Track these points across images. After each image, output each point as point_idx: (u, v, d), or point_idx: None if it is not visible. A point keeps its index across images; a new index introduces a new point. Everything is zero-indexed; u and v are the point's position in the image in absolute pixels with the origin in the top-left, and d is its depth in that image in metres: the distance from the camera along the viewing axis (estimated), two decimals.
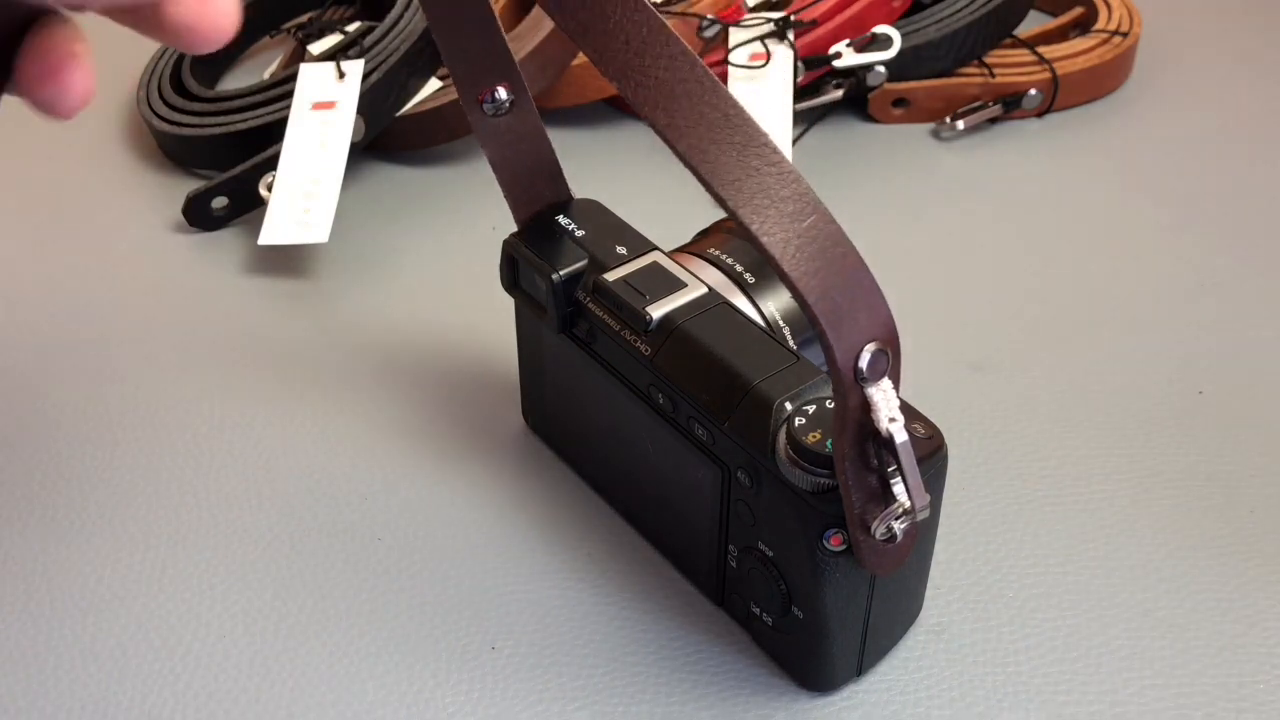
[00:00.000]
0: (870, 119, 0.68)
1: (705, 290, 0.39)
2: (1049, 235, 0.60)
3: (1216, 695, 0.39)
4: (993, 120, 0.67)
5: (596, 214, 0.43)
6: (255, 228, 0.58)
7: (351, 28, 0.67)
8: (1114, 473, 0.47)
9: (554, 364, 0.44)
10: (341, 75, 0.61)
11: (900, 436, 0.31)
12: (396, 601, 0.42)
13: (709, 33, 0.65)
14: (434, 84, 0.64)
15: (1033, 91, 0.66)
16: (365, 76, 0.61)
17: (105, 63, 0.80)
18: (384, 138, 0.64)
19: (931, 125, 0.68)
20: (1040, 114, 0.68)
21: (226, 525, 0.45)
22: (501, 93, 0.40)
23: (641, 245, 0.41)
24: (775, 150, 0.29)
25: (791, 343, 0.41)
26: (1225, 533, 0.44)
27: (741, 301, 0.40)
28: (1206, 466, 0.47)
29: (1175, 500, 0.46)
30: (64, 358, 0.53)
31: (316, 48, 0.68)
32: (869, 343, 0.30)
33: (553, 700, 0.39)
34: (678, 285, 0.39)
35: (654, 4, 0.65)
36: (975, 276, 0.57)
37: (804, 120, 0.67)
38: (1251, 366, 0.52)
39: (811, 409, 0.34)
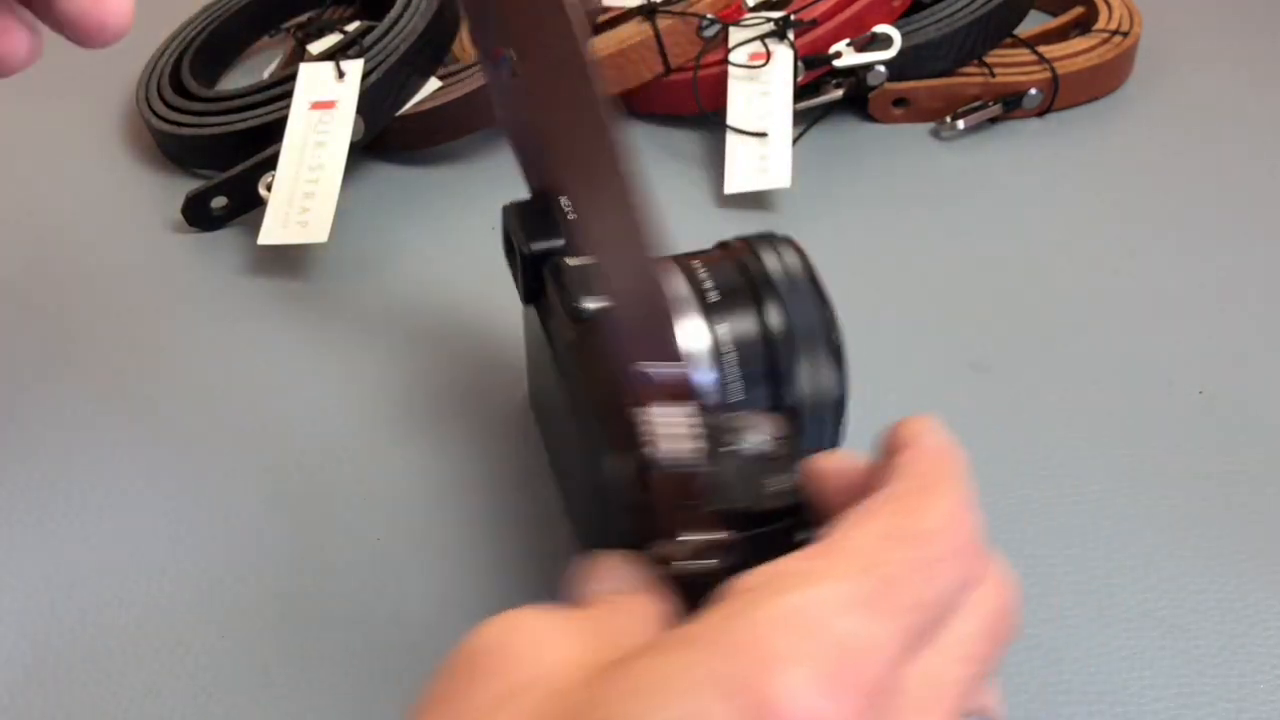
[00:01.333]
0: (870, 119, 0.68)
1: None
2: (1049, 235, 0.60)
3: (1216, 695, 0.39)
4: (993, 120, 0.67)
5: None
6: (255, 228, 0.58)
7: (351, 27, 0.67)
8: (1114, 473, 0.47)
9: (528, 337, 0.45)
10: (341, 75, 0.61)
11: (666, 462, 0.30)
12: (396, 600, 0.42)
13: (709, 32, 0.65)
14: (434, 84, 0.64)
15: (1033, 91, 0.66)
16: (365, 76, 0.61)
17: (105, 62, 0.80)
18: (384, 138, 0.64)
19: (931, 125, 0.68)
20: (1040, 114, 0.68)
21: (226, 525, 0.45)
22: (510, 55, 0.40)
23: None
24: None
25: (737, 369, 0.40)
26: (1225, 533, 0.44)
27: (693, 319, 0.40)
28: (1206, 466, 0.47)
29: (1175, 500, 0.46)
30: (64, 357, 0.53)
31: (316, 47, 0.68)
32: (648, 361, 0.29)
33: None
34: None
35: (654, 4, 0.65)
36: (975, 276, 0.57)
37: (804, 120, 0.67)
38: (1251, 366, 0.52)
39: None
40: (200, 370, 0.52)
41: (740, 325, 0.40)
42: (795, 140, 0.65)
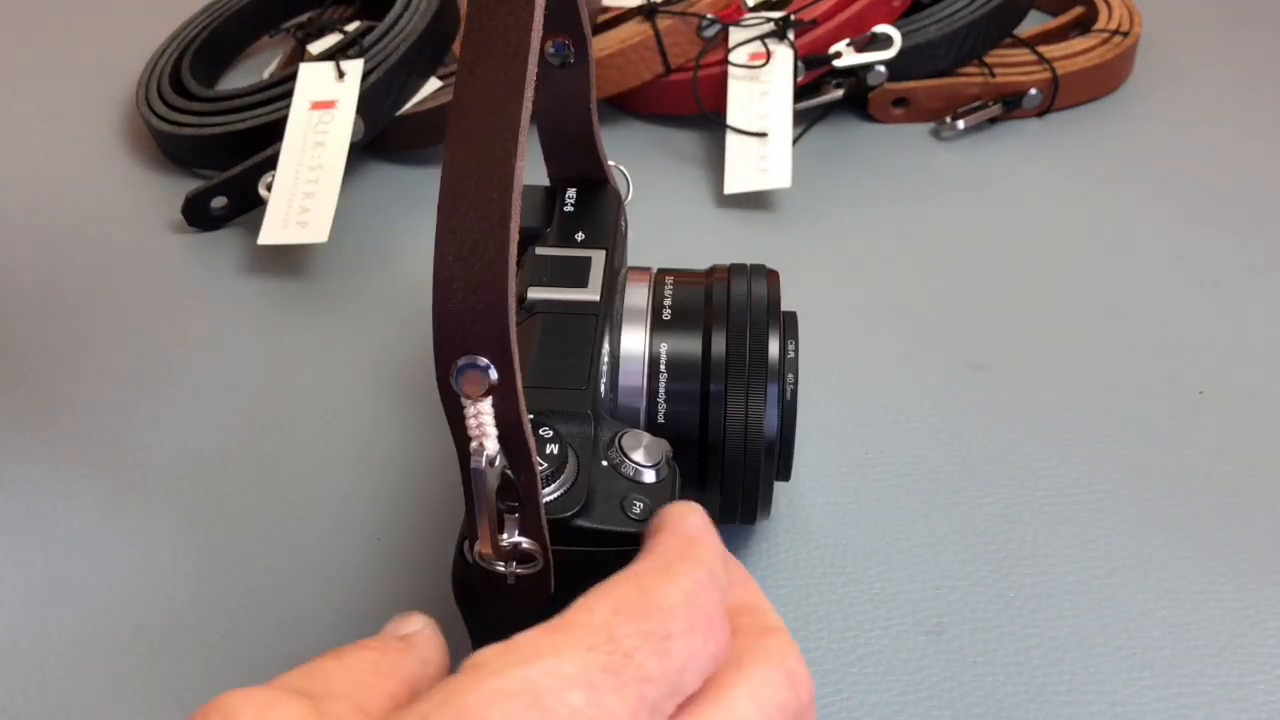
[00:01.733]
0: (870, 119, 0.68)
1: (594, 299, 0.39)
2: (1049, 235, 0.60)
3: (1216, 695, 0.39)
4: (993, 120, 0.67)
5: (600, 203, 0.44)
6: (255, 228, 0.58)
7: (351, 27, 0.67)
8: (1114, 473, 0.47)
9: None
10: (341, 75, 0.61)
11: (474, 464, 0.29)
12: (395, 599, 0.42)
13: (709, 32, 0.65)
14: (434, 84, 0.64)
15: (1033, 91, 0.66)
16: (365, 76, 0.61)
17: (104, 62, 0.80)
18: (384, 137, 0.64)
19: (931, 125, 0.68)
20: (1040, 114, 0.68)
21: (225, 525, 0.45)
22: (567, 44, 0.41)
23: (600, 241, 0.41)
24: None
25: (665, 388, 0.39)
26: (1225, 533, 0.44)
27: (636, 330, 0.40)
28: (1206, 466, 0.47)
29: (1175, 500, 0.46)
30: (63, 357, 0.53)
31: (316, 47, 0.68)
32: (464, 356, 0.28)
33: None
34: (577, 284, 0.39)
35: (654, 4, 0.65)
36: (975, 276, 0.57)
37: (804, 120, 0.67)
38: (1251, 366, 0.52)
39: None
40: (200, 370, 0.52)
41: (681, 345, 0.40)
42: (795, 140, 0.65)
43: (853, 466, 0.47)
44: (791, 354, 0.40)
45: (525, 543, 0.31)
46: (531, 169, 0.44)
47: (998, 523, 0.45)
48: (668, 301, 0.41)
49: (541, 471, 0.32)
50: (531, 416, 0.33)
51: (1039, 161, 0.65)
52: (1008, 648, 0.40)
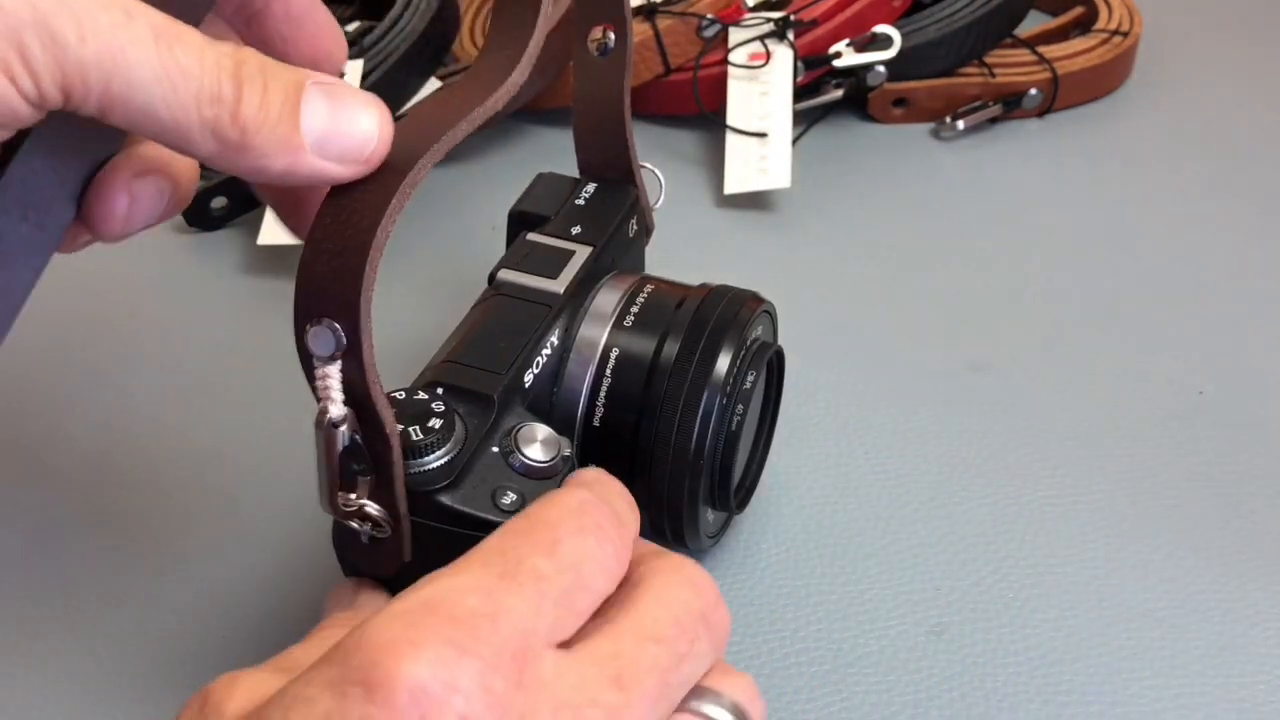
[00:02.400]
0: (870, 119, 0.68)
1: (556, 292, 0.39)
2: (1049, 235, 0.60)
3: (1216, 695, 0.39)
4: (993, 120, 0.67)
5: (613, 202, 0.44)
6: (254, 228, 0.58)
7: (351, 28, 0.67)
8: (1114, 473, 0.47)
9: None
10: (341, 75, 0.61)
11: (319, 423, 0.30)
12: None
13: (709, 32, 0.65)
14: (434, 84, 0.64)
15: (1033, 91, 0.66)
16: (365, 76, 0.61)
17: None
18: None
19: (931, 125, 0.67)
20: (1040, 114, 0.68)
21: (227, 525, 0.45)
22: (611, 35, 0.42)
23: (592, 238, 0.41)
24: None
25: (605, 385, 0.39)
26: (1225, 533, 0.44)
27: (597, 329, 0.39)
28: (1206, 466, 0.47)
29: (1175, 500, 0.46)
30: (62, 357, 0.53)
31: None
32: (317, 318, 0.29)
33: None
34: (548, 274, 0.40)
35: (654, 4, 0.65)
36: (975, 276, 0.57)
37: (804, 120, 0.67)
38: (1251, 366, 0.52)
39: (420, 399, 0.34)
40: (200, 370, 0.52)
41: (632, 352, 0.39)
42: (795, 140, 0.65)
43: (852, 466, 0.47)
44: (749, 385, 0.39)
45: (371, 507, 0.31)
46: (560, 163, 0.45)
47: (998, 523, 0.45)
48: (636, 309, 0.40)
49: (421, 440, 0.33)
50: (440, 389, 0.35)
51: (1039, 161, 0.65)
52: (1008, 648, 0.40)
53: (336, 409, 0.30)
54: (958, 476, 0.47)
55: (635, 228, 0.44)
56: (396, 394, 0.35)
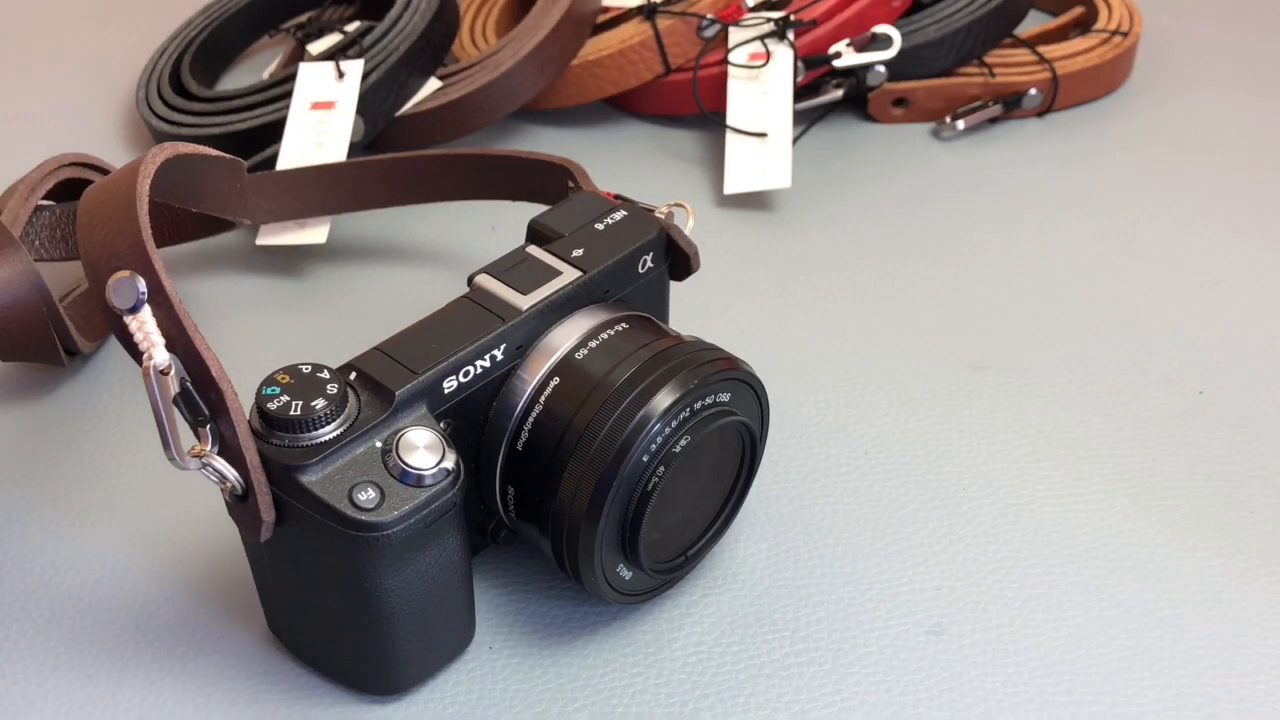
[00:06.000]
0: (870, 119, 0.68)
1: (518, 307, 0.38)
2: (1049, 235, 0.60)
3: (1216, 695, 0.39)
4: (993, 120, 0.67)
5: (628, 235, 0.42)
6: (254, 228, 0.58)
7: (351, 27, 0.67)
8: (1114, 473, 0.47)
9: None
10: (341, 75, 0.61)
11: (145, 371, 0.31)
12: None
13: (709, 32, 0.65)
14: (434, 84, 0.64)
15: (1033, 91, 0.66)
16: (365, 76, 0.61)
17: (104, 62, 0.80)
18: (383, 138, 0.64)
19: (931, 125, 0.68)
20: (1040, 114, 0.68)
21: (226, 525, 0.45)
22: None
23: (588, 265, 0.40)
24: None
25: (535, 412, 0.38)
26: (1225, 533, 0.44)
27: (547, 356, 0.38)
28: (1206, 466, 0.47)
29: (1175, 500, 0.46)
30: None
31: (316, 47, 0.68)
32: (117, 272, 0.30)
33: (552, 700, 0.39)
34: (521, 289, 0.39)
35: (654, 4, 0.65)
36: (975, 276, 0.57)
37: (804, 120, 0.67)
38: (1251, 366, 0.52)
39: (322, 377, 0.35)
40: None
41: (570, 386, 0.38)
42: (795, 140, 0.65)
43: (852, 466, 0.47)
44: (680, 449, 0.37)
45: (218, 462, 0.32)
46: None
47: (998, 523, 0.45)
48: (596, 342, 0.39)
49: (297, 416, 0.33)
50: (354, 373, 0.36)
51: (1039, 161, 0.65)
52: (1008, 648, 0.40)
53: (160, 354, 0.30)
54: (957, 476, 0.47)
55: (650, 264, 0.42)
56: (303, 366, 0.35)
